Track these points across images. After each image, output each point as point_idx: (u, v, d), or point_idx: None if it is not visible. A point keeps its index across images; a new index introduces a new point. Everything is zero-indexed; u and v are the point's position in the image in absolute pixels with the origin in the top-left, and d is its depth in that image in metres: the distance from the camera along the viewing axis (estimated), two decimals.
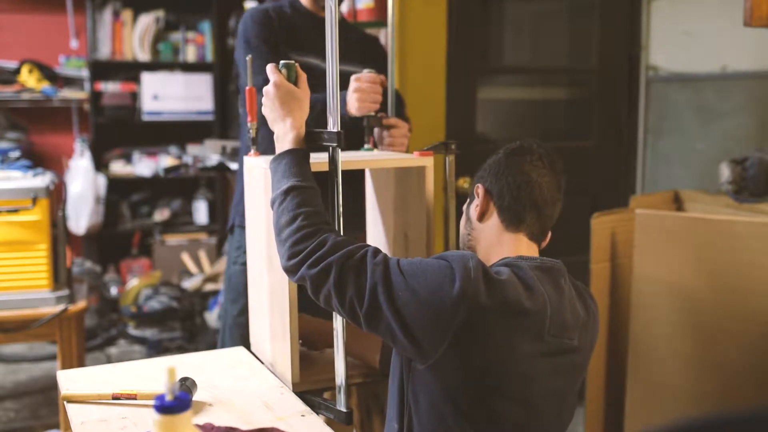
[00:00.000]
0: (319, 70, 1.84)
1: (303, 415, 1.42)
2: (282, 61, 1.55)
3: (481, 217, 1.43)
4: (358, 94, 1.86)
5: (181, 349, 3.88)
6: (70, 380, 1.58)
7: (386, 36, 2.74)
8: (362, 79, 1.87)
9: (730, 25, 2.70)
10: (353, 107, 1.87)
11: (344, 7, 2.86)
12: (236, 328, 2.19)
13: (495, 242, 1.41)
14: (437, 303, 1.22)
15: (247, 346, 1.90)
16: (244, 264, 2.16)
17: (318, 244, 1.32)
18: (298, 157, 1.44)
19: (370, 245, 1.34)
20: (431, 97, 2.86)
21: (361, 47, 2.24)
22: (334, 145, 1.46)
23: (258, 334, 1.80)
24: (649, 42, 3.14)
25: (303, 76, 1.55)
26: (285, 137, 1.48)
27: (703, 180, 2.83)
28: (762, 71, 2.73)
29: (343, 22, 2.25)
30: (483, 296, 1.21)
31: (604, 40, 3.18)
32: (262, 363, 1.72)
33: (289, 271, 1.36)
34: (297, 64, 1.57)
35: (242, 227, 2.22)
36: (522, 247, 1.40)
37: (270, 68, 1.53)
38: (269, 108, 1.51)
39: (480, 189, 1.44)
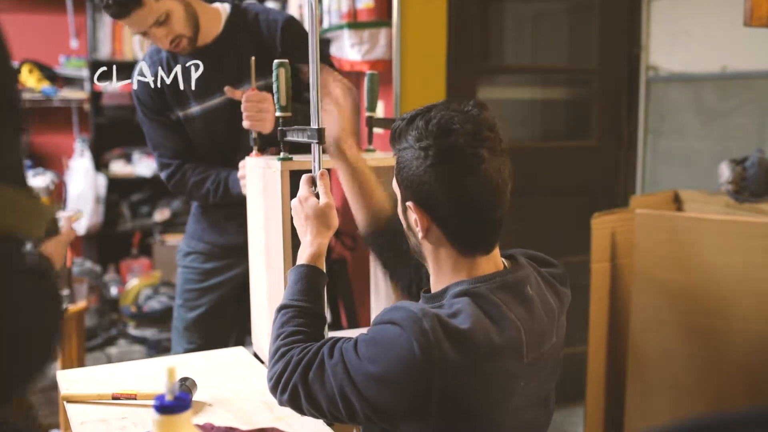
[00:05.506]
0: (213, 109, 1.90)
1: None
2: (277, 61, 1.56)
3: (426, 235, 1.23)
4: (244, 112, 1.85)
5: None
6: (70, 380, 1.58)
7: (389, 36, 2.74)
8: (247, 97, 1.84)
9: (730, 25, 2.69)
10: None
11: (344, 7, 2.85)
12: (188, 331, 2.29)
13: (449, 270, 1.24)
14: (407, 382, 1.10)
15: (203, 348, 2.00)
16: (185, 267, 2.29)
17: (284, 366, 1.24)
18: (302, 274, 1.37)
19: (323, 341, 1.24)
20: (431, 97, 2.85)
21: (250, 54, 1.90)
22: (315, 141, 1.47)
23: (258, 333, 1.80)
24: (649, 42, 3.14)
25: (326, 187, 1.44)
26: (302, 253, 1.41)
27: (703, 180, 2.82)
28: (762, 71, 2.72)
29: (223, 40, 2.05)
30: (451, 354, 1.09)
31: (604, 40, 3.18)
32: (262, 363, 1.72)
33: (272, 394, 1.30)
34: (288, 62, 1.58)
35: (185, 254, 2.31)
36: (480, 266, 1.22)
37: (303, 180, 1.46)
38: (295, 219, 1.46)
39: (419, 213, 1.21)
